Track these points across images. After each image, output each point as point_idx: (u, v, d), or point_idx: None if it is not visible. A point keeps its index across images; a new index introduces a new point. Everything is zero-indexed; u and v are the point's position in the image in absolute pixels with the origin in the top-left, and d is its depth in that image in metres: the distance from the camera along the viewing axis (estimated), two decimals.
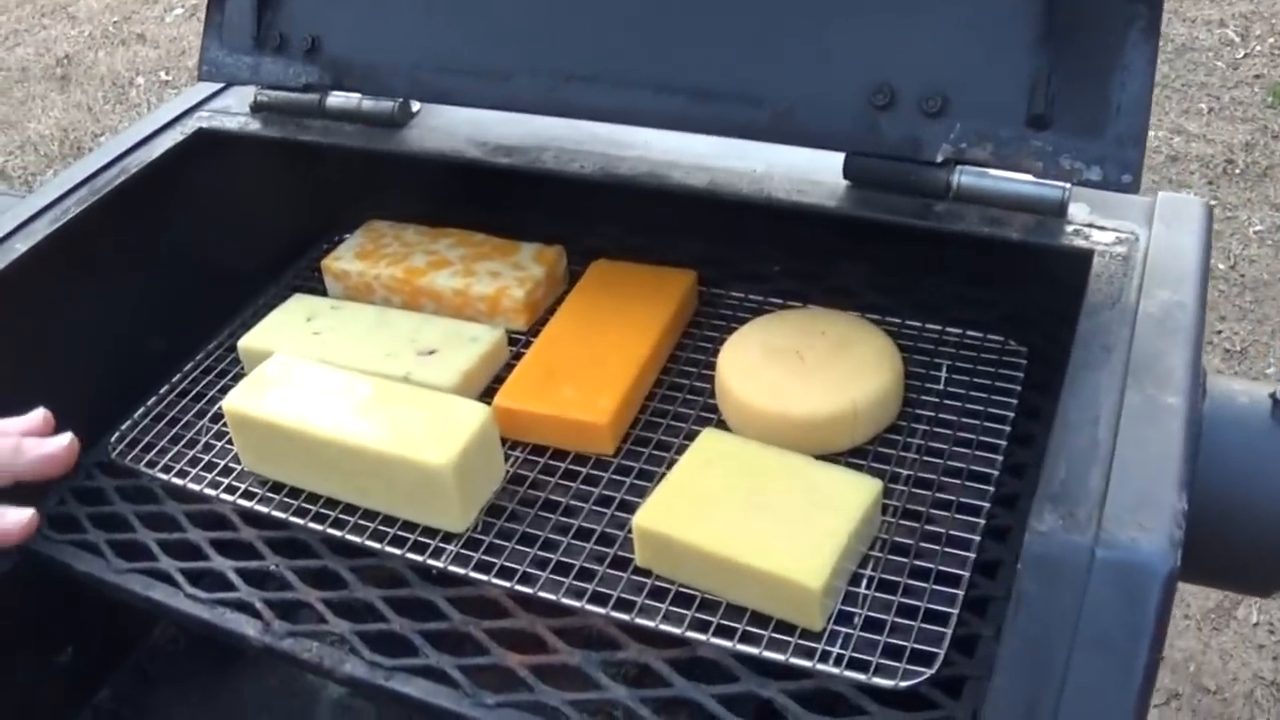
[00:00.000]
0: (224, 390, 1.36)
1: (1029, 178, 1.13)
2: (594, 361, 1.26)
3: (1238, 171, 3.87)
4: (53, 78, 5.00)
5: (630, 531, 1.09)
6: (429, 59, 1.33)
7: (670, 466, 1.14)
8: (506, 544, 1.13)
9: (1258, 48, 4.42)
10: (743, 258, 1.45)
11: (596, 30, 1.25)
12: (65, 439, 1.13)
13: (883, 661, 0.98)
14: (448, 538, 1.14)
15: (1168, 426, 0.92)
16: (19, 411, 1.21)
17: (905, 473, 1.15)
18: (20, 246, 1.28)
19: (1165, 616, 0.82)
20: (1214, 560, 1.03)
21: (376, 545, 1.15)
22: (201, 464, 1.28)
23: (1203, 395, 1.06)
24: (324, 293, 1.48)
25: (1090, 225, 1.14)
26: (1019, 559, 0.85)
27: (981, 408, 1.21)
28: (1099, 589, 0.82)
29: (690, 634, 1.02)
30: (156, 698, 1.48)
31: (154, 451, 1.31)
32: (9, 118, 4.73)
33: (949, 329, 1.32)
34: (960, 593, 1.03)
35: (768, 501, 1.05)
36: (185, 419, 1.35)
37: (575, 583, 1.08)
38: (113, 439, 1.33)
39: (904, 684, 0.96)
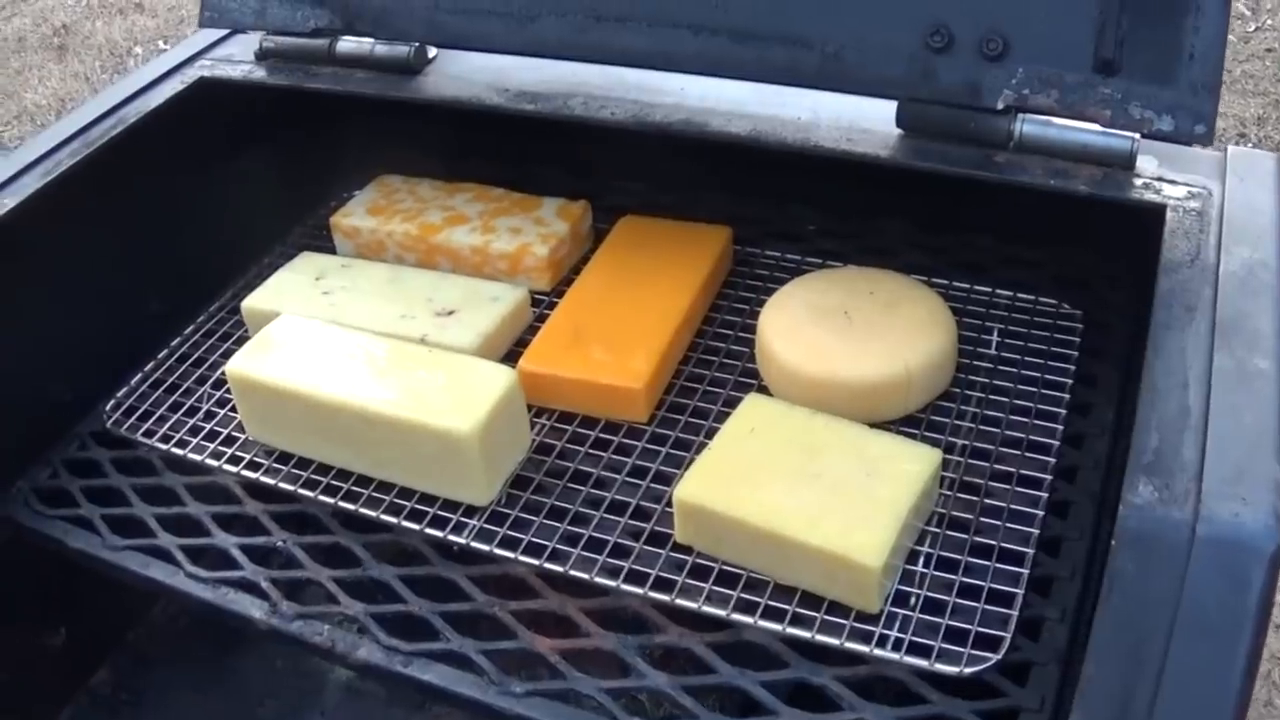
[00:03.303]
0: (227, 355, 1.28)
1: (1095, 127, 1.06)
2: (625, 322, 1.18)
3: (1250, 145, 3.81)
4: (50, 47, 4.93)
5: (668, 505, 1.03)
6: (446, 0, 1.26)
7: (709, 435, 1.07)
8: (534, 518, 1.06)
9: (1269, 21, 4.36)
10: (776, 216, 1.38)
11: None
12: None
13: (945, 646, 0.91)
14: (470, 511, 1.07)
15: (1261, 392, 0.85)
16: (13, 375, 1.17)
17: (961, 443, 1.08)
18: (9, 201, 1.20)
19: (1270, 598, 0.75)
20: None
21: (392, 520, 1.08)
22: (203, 433, 1.21)
23: None
24: (333, 252, 1.41)
25: (1160, 179, 1.07)
26: (1112, 535, 0.78)
27: (1037, 374, 1.15)
28: (1200, 569, 0.75)
29: (736, 616, 0.95)
30: (155, 680, 1.43)
31: (152, 420, 1.24)
32: (5, 88, 4.67)
33: (999, 291, 1.25)
34: (1025, 571, 0.95)
35: (819, 472, 0.97)
36: (185, 385, 1.28)
37: (609, 560, 1.01)
38: (108, 407, 1.26)
39: (969, 670, 0.89)
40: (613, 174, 1.44)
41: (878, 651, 0.91)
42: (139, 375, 1.29)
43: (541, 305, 1.29)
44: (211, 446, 1.19)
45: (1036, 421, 1.09)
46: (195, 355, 1.32)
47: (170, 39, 4.82)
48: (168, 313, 1.37)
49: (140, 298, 1.37)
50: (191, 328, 1.35)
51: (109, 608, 1.42)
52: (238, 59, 1.40)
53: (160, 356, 1.31)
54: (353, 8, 1.30)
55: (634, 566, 1.00)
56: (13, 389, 1.23)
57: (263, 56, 1.38)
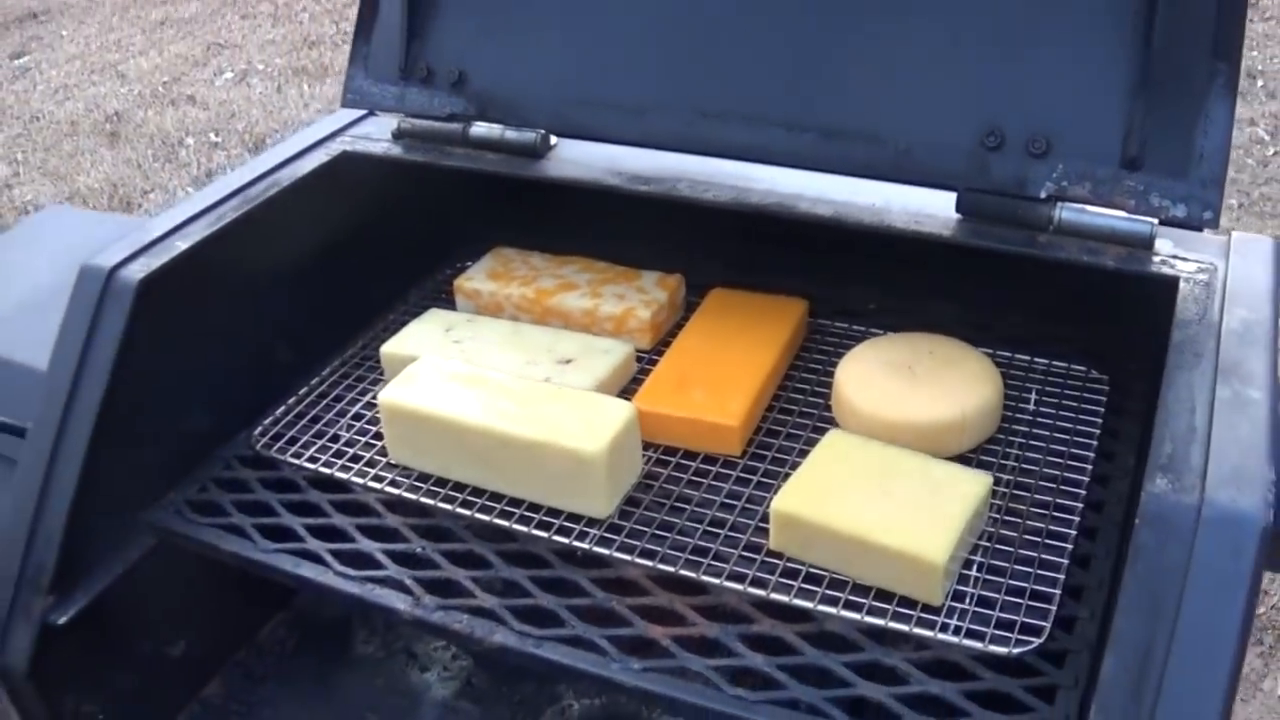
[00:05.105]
0: (362, 393, 1.47)
1: (1121, 213, 1.24)
2: (721, 372, 1.38)
3: None
4: (102, 133, 5.03)
5: (761, 522, 1.21)
6: (570, 93, 1.44)
7: (793, 468, 1.25)
8: (645, 529, 1.23)
9: None
10: (840, 296, 1.57)
11: (729, 66, 1.36)
12: None
13: (996, 633, 1.09)
14: (590, 524, 1.24)
15: (1254, 415, 1.03)
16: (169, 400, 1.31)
17: (1006, 477, 1.27)
18: (180, 244, 1.35)
19: (1260, 565, 0.93)
20: None
21: (523, 529, 1.25)
22: (346, 456, 1.37)
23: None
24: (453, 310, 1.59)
25: (1175, 257, 1.24)
26: (1137, 517, 0.96)
27: (1070, 424, 1.34)
28: (1205, 542, 0.93)
29: (822, 608, 1.13)
30: (264, 694, 1.55)
31: (297, 445, 1.40)
32: (58, 170, 4.75)
33: (1036, 359, 1.45)
34: (1061, 577, 1.14)
35: (891, 491, 1.16)
36: (326, 417, 1.45)
37: (712, 563, 1.19)
38: (255, 432, 1.43)
39: (1016, 651, 1.07)
40: (691, 257, 1.62)
41: (941, 636, 1.09)
42: (282, 408, 1.46)
43: (643, 361, 1.48)
44: (356, 467, 1.35)
45: (1069, 463, 1.28)
46: (333, 393, 1.49)
47: (221, 131, 4.95)
48: (296, 362, 1.53)
49: (274, 343, 1.53)
50: (328, 370, 1.53)
51: (224, 626, 1.56)
52: (375, 136, 1.58)
53: (301, 393, 1.48)
54: (486, 98, 1.49)
55: (734, 568, 1.18)
56: (163, 413, 1.37)
57: (399, 136, 1.55)
